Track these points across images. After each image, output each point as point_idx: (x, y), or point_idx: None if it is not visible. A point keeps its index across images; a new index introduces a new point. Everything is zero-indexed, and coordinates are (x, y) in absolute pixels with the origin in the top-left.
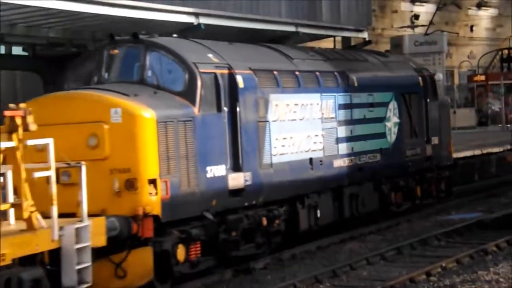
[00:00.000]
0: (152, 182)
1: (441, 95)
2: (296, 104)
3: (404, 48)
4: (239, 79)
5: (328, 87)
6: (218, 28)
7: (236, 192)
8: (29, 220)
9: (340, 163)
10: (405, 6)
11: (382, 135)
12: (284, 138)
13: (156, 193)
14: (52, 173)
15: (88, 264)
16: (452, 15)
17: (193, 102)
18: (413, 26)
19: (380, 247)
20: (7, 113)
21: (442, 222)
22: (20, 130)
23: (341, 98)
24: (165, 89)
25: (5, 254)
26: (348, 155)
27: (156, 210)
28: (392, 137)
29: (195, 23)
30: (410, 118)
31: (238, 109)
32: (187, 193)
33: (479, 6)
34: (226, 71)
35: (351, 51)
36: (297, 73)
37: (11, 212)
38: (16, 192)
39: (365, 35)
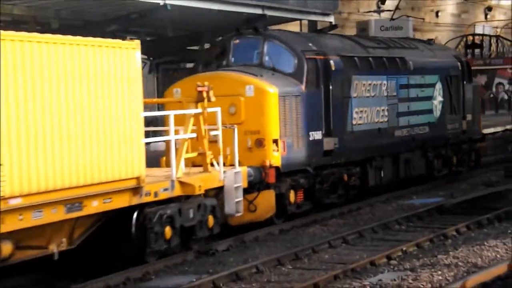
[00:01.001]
0: (275, 141)
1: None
2: (370, 84)
3: (370, 32)
4: (332, 63)
5: (392, 70)
6: (184, 9)
7: (328, 152)
8: (206, 165)
9: (399, 133)
10: None
11: (430, 111)
12: (361, 111)
13: (277, 150)
14: (219, 133)
15: (241, 199)
16: (418, 1)
17: (301, 81)
18: (379, 11)
19: (342, 231)
20: (199, 88)
21: (404, 206)
22: (206, 101)
23: (401, 79)
24: (279, 71)
25: (201, 185)
26: (405, 127)
27: (277, 162)
28: (437, 113)
29: (161, 4)
30: (450, 97)
31: (330, 87)
32: (297, 152)
33: None
34: (322, 57)
35: (405, 40)
36: (370, 59)
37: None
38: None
39: (331, 19)
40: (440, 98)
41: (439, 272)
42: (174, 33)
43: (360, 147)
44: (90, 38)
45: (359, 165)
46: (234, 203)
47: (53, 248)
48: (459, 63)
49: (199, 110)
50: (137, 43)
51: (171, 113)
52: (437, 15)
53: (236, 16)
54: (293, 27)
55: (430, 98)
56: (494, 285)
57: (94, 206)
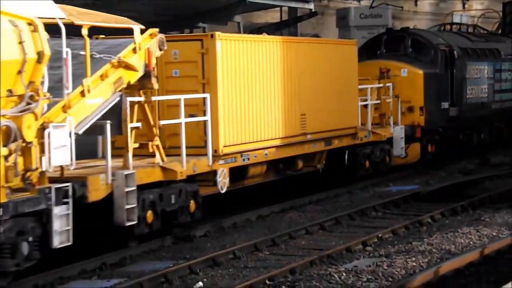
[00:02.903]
0: (421, 108)
1: None
2: (477, 68)
3: (350, 20)
4: (455, 53)
5: (490, 58)
6: None
7: (451, 118)
8: (383, 123)
9: (495, 106)
10: None
11: None
12: (472, 89)
13: (422, 114)
14: (391, 100)
15: (403, 146)
16: None
17: (436, 66)
18: None
19: (319, 217)
20: (382, 69)
21: (381, 193)
22: (385, 78)
23: (496, 65)
24: (420, 60)
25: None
26: (498, 101)
27: (422, 123)
28: None
29: None
30: None
31: (454, 70)
32: (433, 116)
33: None
34: (448, 48)
35: (495, 36)
36: (477, 50)
37: None
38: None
39: (311, 6)
40: None
41: (414, 259)
42: (156, 18)
43: (471, 116)
44: (328, 39)
45: (468, 129)
46: (400, 148)
47: (319, 166)
48: None
49: (381, 85)
50: (355, 41)
51: (368, 87)
52: (416, 4)
53: (216, 2)
54: (274, 13)
55: None
56: (466, 271)
57: (335, 143)
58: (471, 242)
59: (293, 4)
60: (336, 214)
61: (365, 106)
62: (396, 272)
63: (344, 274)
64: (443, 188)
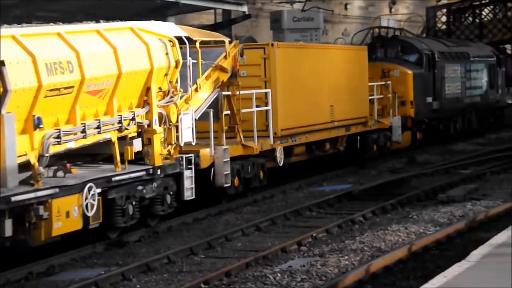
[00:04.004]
0: (411, 102)
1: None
2: (453, 69)
3: (283, 23)
4: (436, 56)
5: (462, 60)
6: None
7: (434, 110)
8: (388, 113)
9: (466, 100)
10: None
11: (481, 87)
12: (449, 86)
13: (412, 107)
14: (390, 96)
15: (400, 133)
16: None
17: (422, 67)
18: (291, 2)
19: (255, 218)
20: (384, 70)
21: (315, 193)
22: (386, 77)
23: (466, 66)
24: (408, 61)
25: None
26: (469, 97)
27: (412, 114)
28: (484, 87)
29: None
30: (490, 78)
31: (435, 70)
32: (420, 109)
33: None
34: (430, 52)
35: (466, 40)
36: (452, 53)
37: None
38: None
39: (244, 8)
40: (486, 78)
41: (346, 257)
42: (85, 19)
43: (448, 108)
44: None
45: (446, 120)
46: (398, 135)
47: (341, 148)
48: (495, 56)
49: (383, 82)
50: (365, 47)
51: (374, 84)
52: (346, 8)
53: (149, 3)
54: (208, 15)
55: (481, 78)
56: (395, 268)
57: (352, 130)
58: (400, 239)
59: (227, 7)
60: (272, 214)
61: (371, 100)
62: (330, 271)
63: (279, 274)
64: (374, 186)
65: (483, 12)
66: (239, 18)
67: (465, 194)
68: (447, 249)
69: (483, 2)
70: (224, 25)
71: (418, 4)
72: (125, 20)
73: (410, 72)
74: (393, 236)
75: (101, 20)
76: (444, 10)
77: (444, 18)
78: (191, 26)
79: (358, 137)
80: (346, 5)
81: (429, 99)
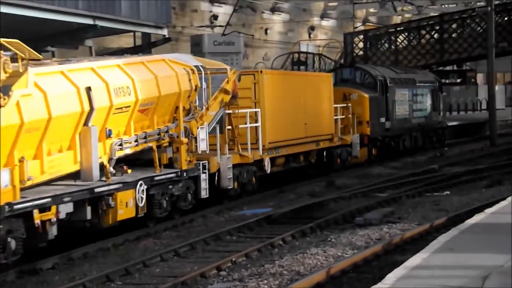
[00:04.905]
0: (367, 122)
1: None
2: (402, 93)
3: (204, 47)
4: (388, 81)
5: (410, 85)
6: (11, 17)
7: (387, 129)
8: (348, 131)
9: (414, 120)
10: (204, 6)
11: (425, 109)
12: (399, 108)
13: (368, 127)
14: (350, 116)
15: (358, 149)
16: (249, 17)
17: (376, 91)
18: (212, 26)
19: (175, 243)
20: (345, 94)
21: (235, 217)
22: (348, 100)
23: (413, 90)
24: (365, 86)
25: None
26: (415, 118)
27: (368, 133)
28: (428, 110)
29: None
30: (433, 101)
31: (388, 94)
32: (375, 128)
33: (272, 10)
34: (383, 79)
35: (413, 69)
36: (402, 79)
37: None
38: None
39: (164, 32)
40: (429, 101)
41: (265, 281)
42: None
43: (399, 127)
44: (320, 73)
45: (397, 138)
46: (357, 150)
47: (312, 161)
48: (437, 82)
49: (345, 104)
50: (331, 74)
51: (338, 106)
52: (266, 33)
53: (67, 25)
54: (127, 38)
55: (425, 101)
56: None
57: (321, 145)
58: (319, 263)
59: (146, 30)
60: (191, 239)
61: (335, 120)
62: None
63: None
64: (293, 210)
65: (398, 39)
66: (159, 41)
67: (382, 217)
68: (364, 271)
69: (398, 29)
70: (144, 48)
71: (336, 30)
72: (46, 40)
73: (366, 95)
74: (312, 260)
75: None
76: (361, 36)
77: (361, 44)
78: (110, 49)
79: (325, 152)
80: (266, 30)
81: (383, 119)
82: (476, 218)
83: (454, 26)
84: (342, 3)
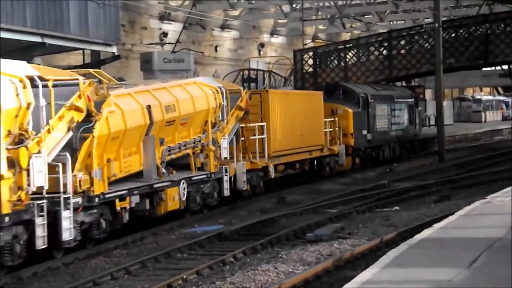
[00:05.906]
0: (351, 134)
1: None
2: (382, 108)
3: (154, 64)
4: (369, 98)
5: (388, 101)
6: None
7: (369, 141)
8: (335, 142)
9: (392, 133)
10: (154, 23)
11: (403, 123)
12: (379, 122)
13: (352, 138)
14: (340, 130)
15: (344, 158)
16: (199, 34)
17: (359, 106)
18: (162, 43)
19: (125, 261)
20: (333, 109)
21: (186, 235)
22: (335, 114)
23: (392, 106)
24: (349, 102)
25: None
26: (394, 130)
27: (352, 144)
28: (405, 123)
29: None
30: (410, 115)
31: (369, 109)
32: (358, 139)
33: (222, 27)
34: (365, 95)
35: (391, 86)
36: (382, 96)
37: None
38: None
39: (114, 49)
40: (406, 116)
41: None
42: None
43: (380, 138)
44: (311, 92)
45: (377, 148)
46: (343, 159)
47: (306, 168)
48: (413, 98)
49: (332, 119)
50: (321, 93)
51: (327, 120)
52: (216, 50)
53: (15, 43)
54: (76, 56)
55: (402, 116)
56: None
57: (313, 154)
58: (270, 279)
59: (95, 47)
60: (142, 257)
61: (325, 132)
62: None
63: None
64: (244, 227)
65: (347, 56)
66: (109, 59)
67: (332, 233)
68: (315, 287)
69: (347, 46)
70: (93, 65)
71: (285, 47)
72: None
73: (350, 110)
74: (263, 276)
75: None
76: (311, 53)
77: (311, 61)
78: (59, 66)
79: (315, 160)
80: (216, 47)
81: (365, 132)
82: (425, 233)
83: (402, 42)
84: (292, 20)
